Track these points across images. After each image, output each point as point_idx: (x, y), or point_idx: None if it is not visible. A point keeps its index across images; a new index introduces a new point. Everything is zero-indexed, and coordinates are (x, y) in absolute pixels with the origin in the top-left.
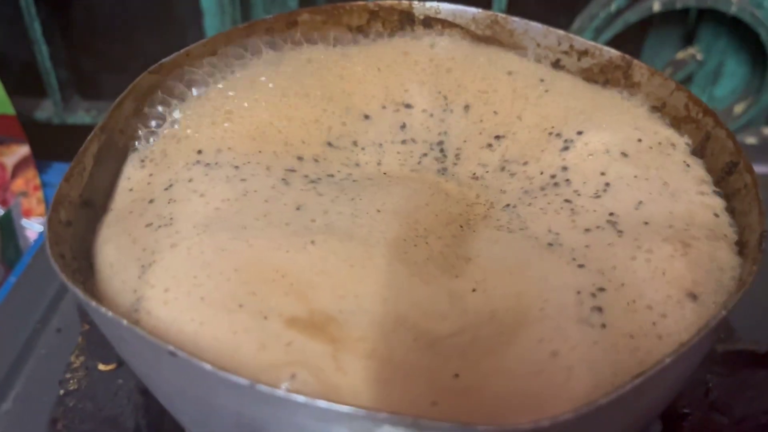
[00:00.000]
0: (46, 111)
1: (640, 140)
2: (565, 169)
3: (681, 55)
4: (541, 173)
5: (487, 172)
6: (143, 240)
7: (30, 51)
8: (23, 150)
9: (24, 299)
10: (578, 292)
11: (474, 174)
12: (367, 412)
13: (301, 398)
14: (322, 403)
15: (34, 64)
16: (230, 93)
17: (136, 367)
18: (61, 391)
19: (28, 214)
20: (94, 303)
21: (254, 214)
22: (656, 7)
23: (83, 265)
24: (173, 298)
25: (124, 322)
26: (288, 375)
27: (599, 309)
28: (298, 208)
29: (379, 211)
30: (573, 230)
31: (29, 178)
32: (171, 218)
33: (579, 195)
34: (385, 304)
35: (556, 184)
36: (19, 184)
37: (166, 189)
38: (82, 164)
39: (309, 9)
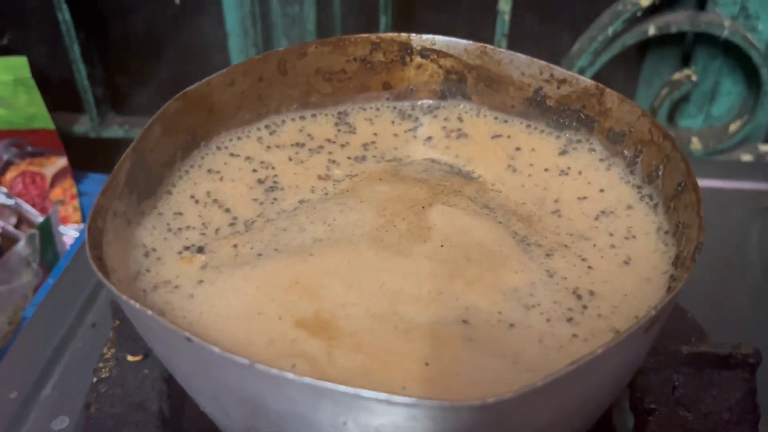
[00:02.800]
0: (83, 125)
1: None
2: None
3: (677, 75)
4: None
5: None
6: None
7: (69, 70)
8: (62, 161)
9: (62, 297)
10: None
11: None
12: (346, 388)
13: (290, 375)
14: (308, 380)
15: (73, 83)
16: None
17: (160, 353)
18: (95, 379)
19: (65, 221)
20: (125, 297)
21: (263, 248)
22: (652, 30)
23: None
24: (205, 318)
25: (149, 312)
26: (289, 365)
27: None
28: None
29: (362, 202)
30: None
31: (67, 187)
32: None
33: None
34: (382, 287)
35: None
36: (57, 193)
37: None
38: (116, 180)
39: (317, 41)
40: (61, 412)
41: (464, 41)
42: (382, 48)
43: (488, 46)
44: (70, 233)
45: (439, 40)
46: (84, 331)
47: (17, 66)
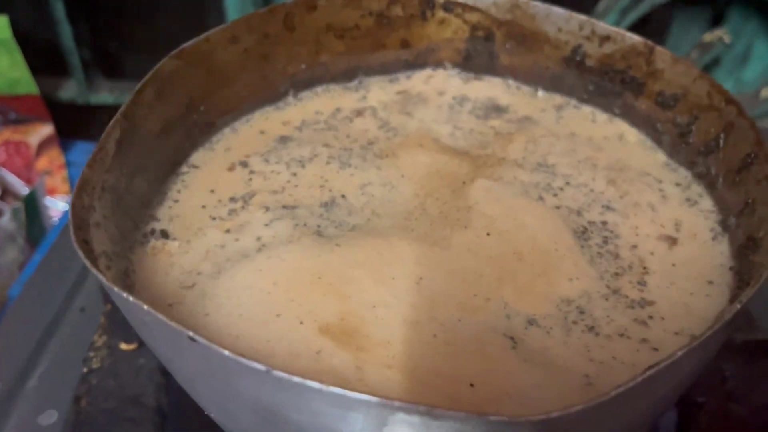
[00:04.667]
0: (69, 91)
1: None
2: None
3: (708, 37)
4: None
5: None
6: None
7: (54, 31)
8: (47, 129)
9: (49, 279)
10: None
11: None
12: (381, 399)
13: (315, 384)
14: (337, 390)
15: (58, 45)
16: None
17: (158, 351)
18: (85, 369)
19: (52, 192)
20: (116, 288)
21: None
22: None
23: (110, 251)
24: (213, 321)
25: (145, 306)
26: None
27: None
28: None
29: (402, 176)
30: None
31: (53, 157)
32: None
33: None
34: (419, 283)
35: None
36: (43, 162)
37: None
38: (105, 150)
39: None
40: (49, 405)
41: None
42: (401, 1)
43: None
44: (57, 206)
45: None
46: (72, 315)
47: None
